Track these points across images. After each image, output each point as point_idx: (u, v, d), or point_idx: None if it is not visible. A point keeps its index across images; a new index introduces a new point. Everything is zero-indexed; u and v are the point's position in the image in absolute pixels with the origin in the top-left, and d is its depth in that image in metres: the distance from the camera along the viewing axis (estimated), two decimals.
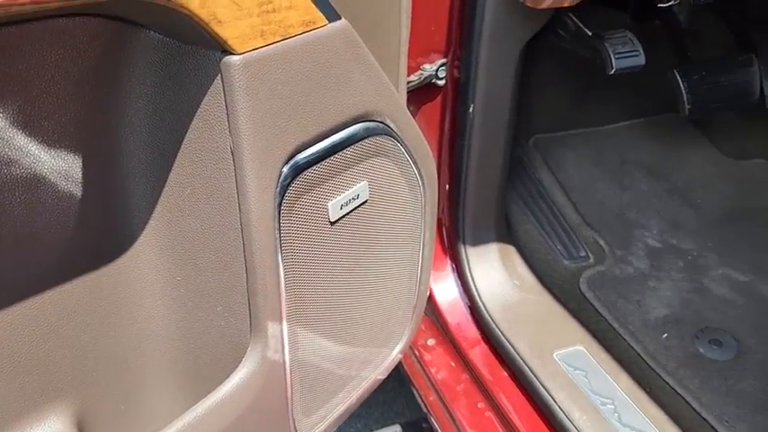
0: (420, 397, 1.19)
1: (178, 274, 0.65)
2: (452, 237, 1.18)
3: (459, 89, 1.06)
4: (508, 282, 1.18)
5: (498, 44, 1.01)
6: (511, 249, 1.22)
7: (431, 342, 1.21)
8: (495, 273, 1.19)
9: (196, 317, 0.66)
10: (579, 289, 1.18)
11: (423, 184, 0.78)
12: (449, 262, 1.20)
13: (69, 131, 0.54)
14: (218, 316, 0.65)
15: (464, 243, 1.17)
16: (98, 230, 0.60)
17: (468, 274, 1.17)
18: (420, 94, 1.08)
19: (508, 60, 1.03)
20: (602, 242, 1.29)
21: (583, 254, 1.26)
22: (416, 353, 1.20)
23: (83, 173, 0.57)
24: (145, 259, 0.64)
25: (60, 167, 0.55)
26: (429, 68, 1.05)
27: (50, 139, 0.54)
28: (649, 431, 0.93)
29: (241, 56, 0.52)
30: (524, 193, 1.37)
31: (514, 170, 1.18)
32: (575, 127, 1.51)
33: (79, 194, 0.58)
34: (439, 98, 1.10)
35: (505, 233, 1.22)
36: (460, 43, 1.03)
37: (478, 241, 1.18)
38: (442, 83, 1.07)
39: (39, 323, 0.61)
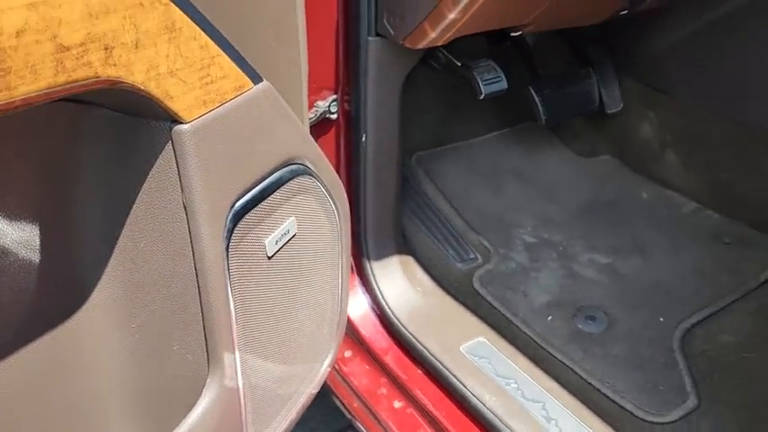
0: (344, 405, 1.28)
1: (133, 323, 0.70)
2: (357, 255, 1.28)
3: (352, 121, 1.17)
4: (411, 289, 1.31)
5: (383, 80, 1.13)
6: (410, 260, 1.34)
7: (348, 354, 1.31)
8: (399, 282, 1.31)
9: (153, 360, 0.72)
10: (473, 287, 1.33)
11: (339, 214, 0.88)
12: (357, 279, 1.30)
13: (30, 204, 0.59)
14: (175, 354, 0.71)
15: (369, 259, 1.28)
16: (57, 292, 0.65)
17: (376, 288, 1.28)
18: (317, 129, 1.18)
19: (392, 92, 1.16)
20: (486, 243, 1.45)
21: (472, 256, 1.41)
22: (336, 366, 1.29)
23: (41, 241, 0.62)
24: (101, 313, 0.69)
25: (22, 238, 0.60)
26: (322, 105, 1.15)
27: (13, 213, 0.58)
28: (547, 401, 1.09)
29: (189, 124, 0.59)
30: (414, 207, 1.51)
31: (402, 186, 1.31)
32: (451, 141, 1.68)
33: (38, 260, 0.62)
34: (333, 131, 1.21)
35: (403, 245, 1.35)
36: (348, 80, 1.15)
37: (381, 256, 1.30)
38: (335, 117, 1.18)
39: (2, 386, 0.64)
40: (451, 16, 0.95)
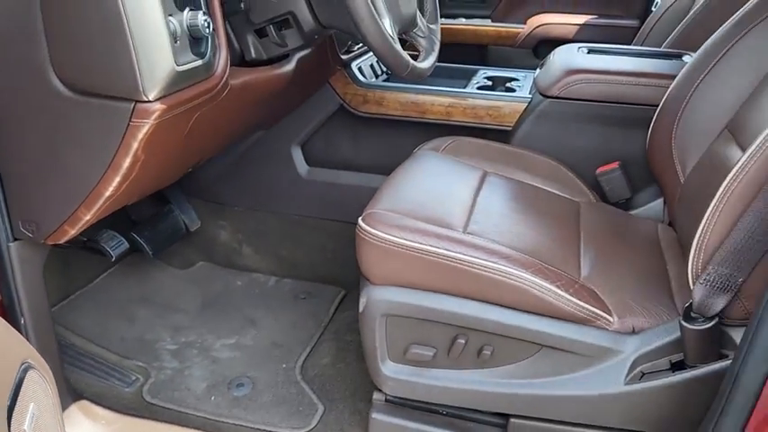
0: None
1: None
2: None
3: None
4: (97, 426, 1.58)
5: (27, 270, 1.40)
6: (85, 403, 1.61)
7: None
8: (85, 427, 1.56)
9: None
10: (146, 401, 1.66)
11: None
12: None
13: None
14: None
15: None
16: None
17: None
18: None
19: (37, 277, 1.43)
20: (141, 363, 1.78)
21: (134, 378, 1.73)
22: None
23: None
24: None
25: None
26: None
27: None
28: None
29: None
30: (68, 358, 1.74)
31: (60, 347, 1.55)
32: (76, 290, 1.94)
33: None
34: None
35: (70, 396, 1.60)
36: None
37: None
38: None
39: None
40: (87, 218, 1.30)
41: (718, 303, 1.13)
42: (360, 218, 1.37)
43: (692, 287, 1.16)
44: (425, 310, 1.32)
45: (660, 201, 1.77)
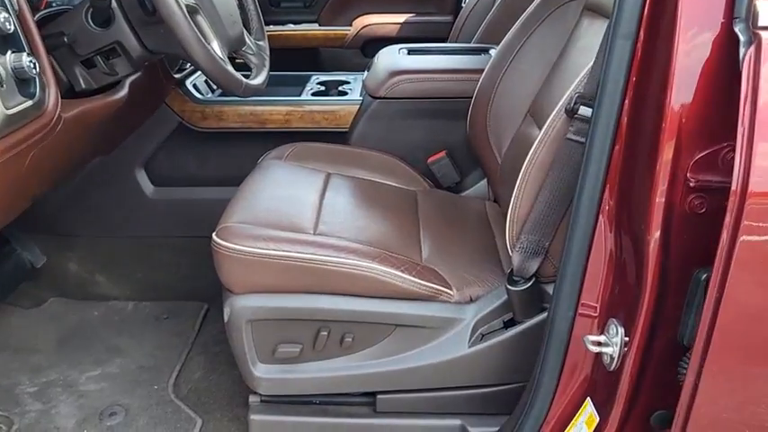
0: None
1: None
2: None
3: None
4: None
5: None
6: None
7: None
8: None
9: None
10: None
11: None
12: None
13: None
14: None
15: None
16: None
17: None
18: None
19: None
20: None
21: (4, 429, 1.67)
22: None
23: None
24: None
25: None
26: None
27: None
28: None
29: None
30: None
31: None
32: None
33: None
34: None
35: None
36: None
37: None
38: None
39: None
40: None
41: (533, 265, 1.34)
42: (214, 233, 1.44)
43: (510, 255, 1.36)
44: (287, 311, 1.42)
45: (485, 181, 1.99)
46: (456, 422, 1.48)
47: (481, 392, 1.46)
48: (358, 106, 2.07)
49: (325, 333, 1.43)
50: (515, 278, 1.36)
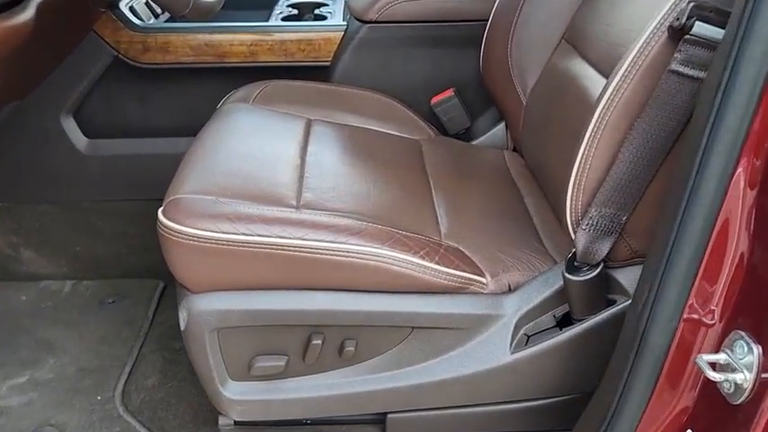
0: None
1: None
2: None
3: None
4: None
5: None
6: None
7: None
8: None
9: None
10: None
11: None
12: None
13: None
14: None
15: None
16: None
17: None
18: None
19: None
20: None
21: None
22: None
23: None
24: None
25: None
26: None
27: None
28: None
29: None
30: None
31: None
32: None
33: None
34: None
35: None
36: None
37: None
38: None
39: None
40: None
41: (604, 247, 0.98)
42: (159, 210, 1.04)
43: (572, 235, 1.00)
44: (266, 314, 1.05)
45: (502, 126, 1.62)
46: None
47: (525, 407, 1.13)
48: (342, 34, 1.66)
49: (319, 340, 1.07)
50: (577, 264, 1.01)
